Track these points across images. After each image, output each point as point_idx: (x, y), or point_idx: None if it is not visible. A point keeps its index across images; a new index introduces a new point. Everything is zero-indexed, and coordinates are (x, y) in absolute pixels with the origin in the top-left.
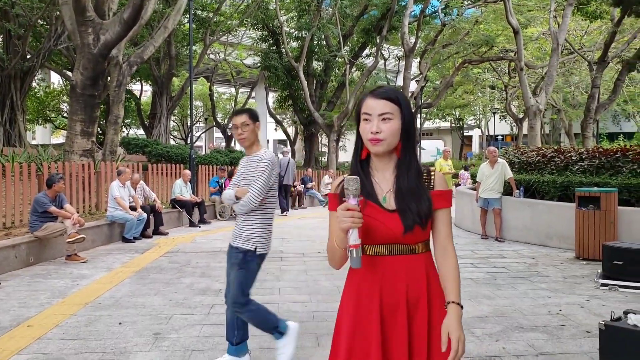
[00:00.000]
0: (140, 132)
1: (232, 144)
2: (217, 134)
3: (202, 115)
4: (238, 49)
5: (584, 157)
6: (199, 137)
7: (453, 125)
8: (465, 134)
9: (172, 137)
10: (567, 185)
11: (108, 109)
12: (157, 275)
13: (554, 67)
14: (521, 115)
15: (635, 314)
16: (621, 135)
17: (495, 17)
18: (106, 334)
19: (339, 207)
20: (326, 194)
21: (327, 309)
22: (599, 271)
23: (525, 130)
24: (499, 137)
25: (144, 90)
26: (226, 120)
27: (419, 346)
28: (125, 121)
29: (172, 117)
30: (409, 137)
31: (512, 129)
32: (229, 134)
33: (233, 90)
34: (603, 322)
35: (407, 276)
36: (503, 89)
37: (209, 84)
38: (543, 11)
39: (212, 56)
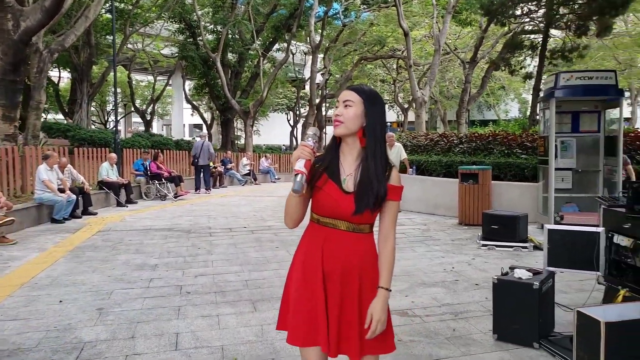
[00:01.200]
0: (59, 117)
1: (151, 128)
2: (136, 118)
3: (122, 101)
4: (155, 40)
5: (463, 140)
6: (118, 121)
7: None
8: None
9: (92, 122)
10: (450, 164)
11: (27, 95)
12: (92, 254)
13: (436, 65)
14: (406, 106)
15: (519, 269)
16: (491, 122)
17: (386, 21)
18: (47, 312)
19: (300, 144)
20: (245, 174)
21: (258, 277)
22: (479, 234)
23: (410, 118)
24: (388, 123)
25: (61, 77)
26: (144, 106)
27: (349, 315)
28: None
29: (92, 103)
30: (371, 130)
31: (398, 117)
32: (148, 118)
33: (151, 78)
34: (496, 277)
35: (347, 250)
36: (392, 82)
37: (127, 72)
38: (426, 17)
39: (130, 46)
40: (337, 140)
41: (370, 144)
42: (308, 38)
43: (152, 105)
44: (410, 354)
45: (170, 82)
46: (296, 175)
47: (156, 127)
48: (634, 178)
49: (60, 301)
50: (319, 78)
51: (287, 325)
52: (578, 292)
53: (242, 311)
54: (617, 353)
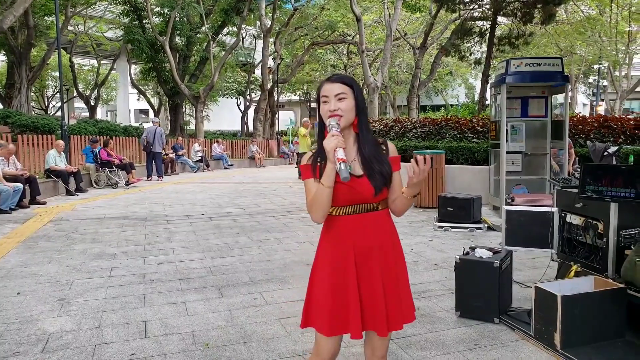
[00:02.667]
0: None
1: (96, 114)
2: (78, 104)
3: (64, 86)
4: (99, 22)
5: (416, 125)
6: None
7: (301, 98)
8: (312, 106)
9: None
10: (405, 149)
11: None
12: (46, 244)
13: (388, 51)
14: None
15: (480, 248)
16: (442, 107)
17: (337, 6)
18: (6, 304)
19: (328, 135)
20: (197, 160)
21: (222, 264)
22: (435, 216)
23: None
24: None
25: None
26: (88, 91)
27: (376, 291)
28: None
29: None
30: (362, 114)
31: None
32: (92, 103)
33: (94, 62)
34: (458, 257)
35: (375, 228)
36: (342, 68)
37: (68, 55)
38: (376, 2)
39: (70, 28)
40: (324, 135)
41: (364, 127)
42: (258, 22)
43: (96, 90)
44: (389, 340)
45: (115, 67)
46: (340, 163)
47: (100, 113)
48: (572, 161)
49: (18, 293)
50: (270, 62)
51: (311, 321)
52: (531, 269)
53: (208, 297)
54: (571, 324)
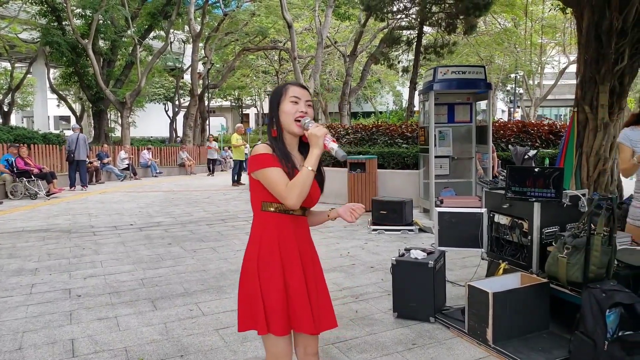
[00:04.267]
0: None
1: (9, 121)
2: None
3: None
4: (12, 22)
5: (349, 131)
6: None
7: (233, 104)
8: (243, 112)
9: None
10: None
11: None
12: None
13: (320, 58)
14: None
15: (414, 249)
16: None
17: (267, 12)
18: None
19: (314, 125)
20: (124, 168)
21: (154, 275)
22: (369, 219)
23: None
24: None
25: None
26: (1, 96)
27: (319, 283)
28: None
29: None
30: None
31: None
32: (5, 109)
33: (8, 64)
34: (394, 258)
35: (307, 232)
36: (274, 74)
37: None
38: (307, 9)
39: None
40: (273, 133)
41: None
42: (187, 26)
43: (10, 95)
44: (320, 338)
45: (31, 70)
46: (333, 145)
47: (15, 119)
48: (496, 165)
49: None
50: (200, 67)
51: (258, 323)
52: (462, 269)
53: (141, 310)
54: (501, 319)
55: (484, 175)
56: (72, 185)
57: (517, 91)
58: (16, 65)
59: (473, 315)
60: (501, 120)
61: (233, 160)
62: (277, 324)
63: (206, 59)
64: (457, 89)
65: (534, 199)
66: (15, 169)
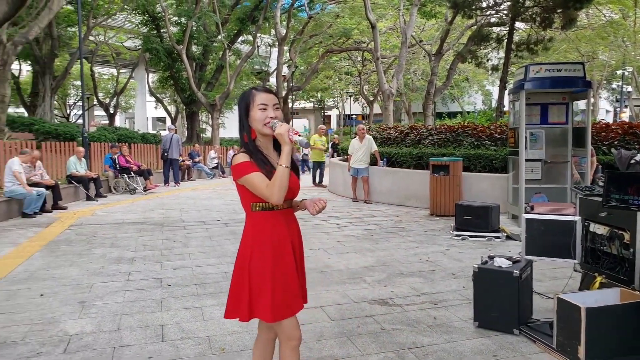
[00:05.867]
0: (20, 110)
1: (115, 122)
2: (98, 112)
3: (85, 94)
4: (119, 32)
5: (433, 132)
6: (82, 115)
7: (315, 105)
8: (325, 114)
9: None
10: (420, 156)
11: None
12: (68, 248)
13: (404, 58)
14: (371, 98)
15: (499, 257)
16: (459, 114)
17: (351, 13)
18: (29, 306)
19: (279, 125)
20: (213, 167)
21: None
22: (452, 224)
23: (375, 110)
24: (353, 116)
25: (21, 70)
26: (107, 99)
27: (302, 266)
28: None
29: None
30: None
31: (363, 109)
32: (111, 111)
33: (114, 70)
34: (476, 266)
35: (295, 222)
36: (357, 75)
37: (89, 64)
38: (391, 9)
39: (91, 38)
40: (251, 136)
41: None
42: (273, 30)
43: (115, 98)
44: (395, 342)
45: (133, 75)
46: (296, 137)
47: (119, 121)
48: (594, 169)
49: (41, 295)
50: (284, 70)
51: (243, 312)
52: (552, 280)
53: (224, 302)
54: (595, 337)
55: (581, 181)
56: (166, 182)
57: (624, 89)
58: (121, 71)
59: (562, 331)
60: (603, 121)
61: (312, 162)
62: (269, 313)
63: (291, 61)
64: (551, 88)
65: (637, 208)
66: (117, 166)
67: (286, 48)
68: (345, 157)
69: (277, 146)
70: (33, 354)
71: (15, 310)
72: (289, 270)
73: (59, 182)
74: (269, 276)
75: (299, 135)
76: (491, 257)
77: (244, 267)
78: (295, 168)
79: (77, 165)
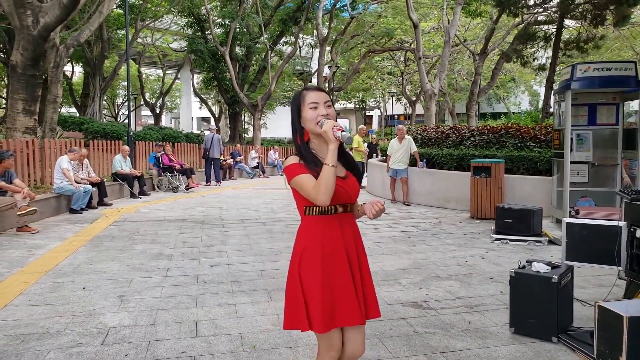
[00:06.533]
0: (72, 110)
1: (161, 122)
2: (145, 112)
3: (132, 95)
4: (165, 34)
5: (475, 133)
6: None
7: (357, 106)
8: (367, 114)
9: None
10: (461, 157)
11: (44, 89)
12: (110, 243)
13: (447, 57)
14: (414, 98)
15: (537, 262)
16: (502, 115)
17: (394, 13)
18: (72, 298)
19: (325, 122)
20: (254, 167)
21: (272, 268)
22: (493, 228)
23: (418, 111)
24: (395, 116)
25: (74, 72)
26: (154, 99)
27: (365, 276)
28: None
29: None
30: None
31: (405, 110)
32: (157, 111)
33: (160, 71)
34: (513, 270)
35: (354, 228)
36: (399, 75)
37: (137, 65)
38: (435, 8)
39: (139, 40)
40: (304, 138)
41: None
42: (315, 31)
43: (161, 98)
44: (427, 345)
45: (179, 76)
46: (342, 132)
47: (165, 120)
48: None
49: (84, 288)
50: (326, 71)
51: (302, 322)
52: (596, 288)
53: (258, 300)
54: (637, 347)
55: (631, 185)
56: (207, 180)
57: None
58: (167, 72)
59: (603, 340)
60: None
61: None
62: (319, 322)
63: (332, 62)
64: (600, 88)
65: None
66: (161, 165)
67: (328, 49)
68: (384, 157)
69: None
70: (73, 344)
71: (59, 302)
72: (341, 279)
73: (105, 180)
74: (319, 283)
75: (342, 131)
76: (529, 262)
77: (295, 272)
78: (355, 170)
79: (122, 164)
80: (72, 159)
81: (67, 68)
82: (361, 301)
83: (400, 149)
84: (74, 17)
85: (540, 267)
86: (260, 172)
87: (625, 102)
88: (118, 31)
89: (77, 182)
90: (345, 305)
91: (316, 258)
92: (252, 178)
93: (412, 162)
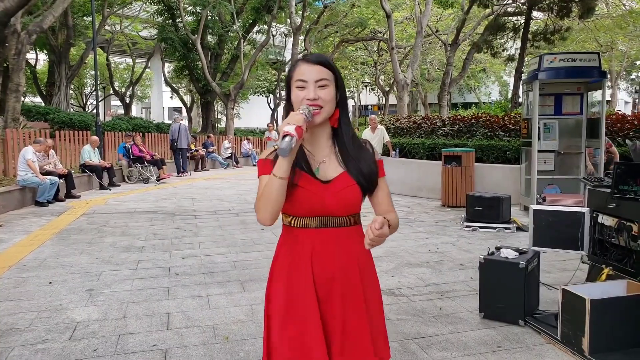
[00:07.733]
0: (36, 100)
1: (131, 112)
2: (114, 101)
3: (100, 84)
4: (134, 21)
5: (446, 123)
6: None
7: None
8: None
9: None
10: (433, 147)
11: (5, 77)
12: (79, 236)
13: (419, 48)
14: (387, 88)
15: (505, 248)
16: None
17: (367, 3)
18: (38, 293)
19: (290, 114)
20: (227, 157)
21: (245, 259)
22: (463, 215)
23: (391, 101)
24: (369, 106)
25: (38, 59)
26: (123, 89)
27: (357, 320)
28: None
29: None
30: (344, 105)
31: (379, 100)
32: (127, 101)
33: (130, 60)
34: (482, 257)
35: (341, 249)
36: (373, 65)
37: (105, 54)
38: None
39: (107, 27)
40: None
41: (346, 121)
42: (289, 20)
43: (131, 88)
44: (399, 332)
45: (149, 65)
46: (284, 136)
47: (135, 110)
48: (618, 159)
49: (50, 282)
50: None
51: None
52: (561, 272)
53: (231, 291)
54: (600, 329)
55: (595, 172)
56: (179, 171)
57: None
58: (136, 60)
59: (567, 322)
60: (620, 112)
61: None
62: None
63: (306, 51)
64: (565, 78)
65: None
66: (130, 156)
67: (301, 38)
68: None
69: (335, 133)
70: (39, 340)
71: (23, 297)
72: (308, 317)
73: (73, 171)
74: (280, 314)
75: (290, 137)
76: (498, 248)
77: (266, 293)
78: (361, 175)
79: (90, 154)
80: (38, 150)
81: (31, 56)
82: (337, 345)
83: (373, 138)
84: (37, 2)
85: (508, 254)
86: (234, 163)
87: (589, 92)
88: (84, 18)
89: (42, 174)
90: (306, 352)
91: (279, 286)
92: (225, 169)
93: (385, 152)
